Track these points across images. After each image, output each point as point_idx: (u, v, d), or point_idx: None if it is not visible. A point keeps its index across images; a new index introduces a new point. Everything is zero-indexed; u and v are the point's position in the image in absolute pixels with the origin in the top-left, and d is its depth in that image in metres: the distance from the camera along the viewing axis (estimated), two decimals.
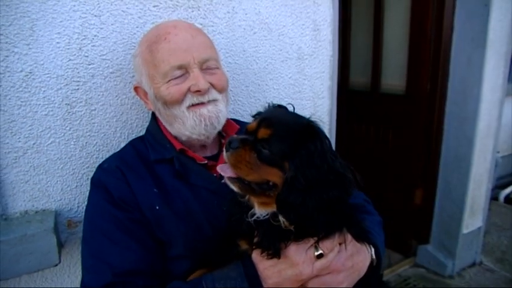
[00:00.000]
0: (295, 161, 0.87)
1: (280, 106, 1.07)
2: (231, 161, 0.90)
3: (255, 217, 0.93)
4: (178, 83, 1.12)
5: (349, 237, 1.00)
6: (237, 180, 0.92)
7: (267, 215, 0.92)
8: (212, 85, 1.16)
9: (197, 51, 1.13)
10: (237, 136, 0.93)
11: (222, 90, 1.20)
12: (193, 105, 1.14)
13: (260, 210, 0.93)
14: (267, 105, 1.09)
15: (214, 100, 1.17)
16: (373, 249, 1.09)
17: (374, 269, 1.10)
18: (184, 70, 1.12)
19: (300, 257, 0.91)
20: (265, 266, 0.94)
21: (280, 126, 0.92)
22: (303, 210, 0.86)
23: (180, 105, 1.14)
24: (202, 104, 1.14)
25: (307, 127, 0.93)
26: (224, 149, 0.93)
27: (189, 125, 1.15)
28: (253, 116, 1.05)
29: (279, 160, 0.89)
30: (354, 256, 1.00)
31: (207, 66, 1.16)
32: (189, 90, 1.12)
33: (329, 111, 1.99)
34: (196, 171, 1.18)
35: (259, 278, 0.94)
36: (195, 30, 1.19)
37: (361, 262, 1.03)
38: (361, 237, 1.05)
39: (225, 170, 0.93)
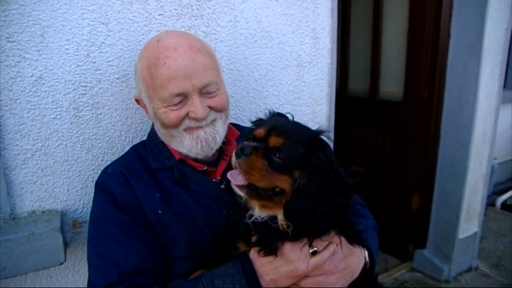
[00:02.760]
0: (308, 170, 0.91)
1: (280, 114, 1.10)
2: (243, 168, 0.92)
3: (252, 218, 0.98)
4: (176, 109, 1.14)
5: (343, 239, 1.04)
6: (245, 186, 0.95)
7: (266, 217, 0.97)
8: (211, 107, 1.17)
9: (196, 78, 1.11)
10: (248, 143, 0.95)
11: (221, 110, 1.21)
12: (190, 128, 1.17)
13: (260, 213, 0.97)
14: (267, 111, 1.13)
15: (212, 120, 1.19)
16: (366, 252, 1.13)
17: (367, 271, 1.14)
18: (183, 97, 1.13)
19: (295, 254, 0.95)
20: (262, 263, 0.98)
21: (291, 136, 0.95)
22: (312, 216, 0.91)
23: (177, 128, 1.16)
24: (199, 127, 1.17)
25: (316, 137, 0.97)
26: (234, 156, 0.94)
27: (187, 144, 1.18)
28: (253, 122, 1.08)
29: (290, 168, 0.93)
30: (347, 258, 1.04)
31: (207, 91, 1.16)
32: (187, 115, 1.14)
33: (327, 117, 2.05)
34: (195, 179, 1.22)
35: (257, 274, 0.98)
36: (195, 51, 1.14)
37: (355, 264, 1.06)
38: (355, 239, 1.09)
39: (235, 177, 0.95)
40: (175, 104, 1.13)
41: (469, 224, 3.21)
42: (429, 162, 3.20)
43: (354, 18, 3.65)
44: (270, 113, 1.11)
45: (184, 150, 1.21)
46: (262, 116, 1.15)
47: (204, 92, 1.15)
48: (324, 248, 0.97)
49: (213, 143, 1.20)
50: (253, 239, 0.99)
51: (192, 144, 1.17)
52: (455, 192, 3.10)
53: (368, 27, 3.44)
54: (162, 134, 1.23)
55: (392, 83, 3.34)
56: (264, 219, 0.97)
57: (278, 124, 1.00)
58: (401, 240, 3.45)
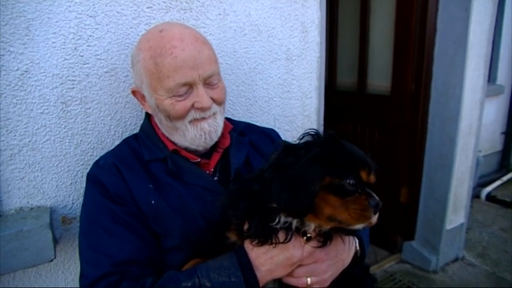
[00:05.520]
0: None
1: (332, 137, 0.99)
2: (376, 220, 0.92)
3: (281, 223, 0.94)
4: (182, 99, 1.15)
5: None
6: None
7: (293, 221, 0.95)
8: (213, 99, 1.19)
9: (202, 68, 1.13)
10: (377, 199, 0.92)
11: (221, 103, 1.24)
12: (195, 119, 1.18)
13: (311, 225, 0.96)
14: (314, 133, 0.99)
15: (214, 113, 1.21)
16: (357, 241, 1.14)
17: (358, 260, 1.14)
18: (188, 87, 1.14)
19: (289, 242, 0.95)
20: (257, 254, 0.97)
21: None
22: None
23: (183, 120, 1.17)
24: (203, 118, 1.19)
25: None
26: (373, 214, 0.91)
27: (190, 137, 1.19)
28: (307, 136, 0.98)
29: None
30: (337, 246, 1.04)
31: (210, 82, 1.18)
32: (192, 106, 1.16)
33: (317, 110, 2.06)
34: (189, 170, 1.22)
35: (252, 266, 0.97)
36: (201, 43, 1.17)
37: (345, 252, 1.07)
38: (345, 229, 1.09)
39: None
40: (181, 95, 1.14)
41: (456, 215, 3.27)
42: (417, 155, 3.25)
43: (342, 12, 3.67)
44: (329, 136, 0.98)
45: (186, 143, 1.22)
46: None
47: (207, 82, 1.17)
48: (317, 234, 0.97)
49: (214, 135, 1.22)
50: (245, 227, 0.98)
51: (196, 136, 1.19)
52: (442, 184, 3.15)
53: (355, 22, 3.46)
54: (165, 126, 1.23)
55: (380, 77, 3.38)
56: (288, 223, 0.95)
57: (366, 158, 0.98)
58: (390, 232, 3.50)
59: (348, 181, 0.90)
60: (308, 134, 0.97)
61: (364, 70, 3.48)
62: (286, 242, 0.94)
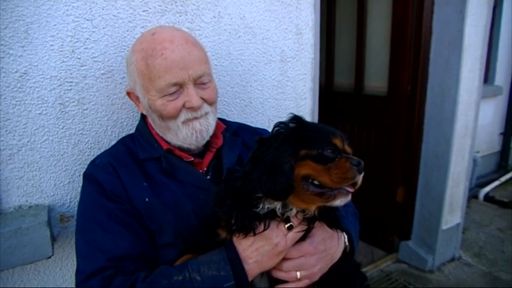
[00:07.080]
0: None
1: (297, 118, 1.05)
2: (360, 181, 0.95)
3: (266, 208, 0.98)
4: (173, 99, 1.18)
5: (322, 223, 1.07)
6: None
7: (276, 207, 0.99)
8: (204, 100, 1.23)
9: (192, 68, 1.17)
10: (358, 159, 0.94)
11: (212, 103, 1.27)
12: (187, 119, 1.22)
13: (297, 209, 0.99)
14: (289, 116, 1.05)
15: (206, 113, 1.25)
16: (346, 236, 1.16)
17: (347, 255, 1.17)
18: (178, 86, 1.18)
19: (272, 231, 0.98)
20: (244, 247, 1.00)
21: None
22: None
23: (175, 120, 1.21)
24: (195, 118, 1.22)
25: None
26: (357, 173, 0.92)
27: (182, 136, 1.23)
28: (282, 124, 1.03)
29: None
30: (326, 241, 1.07)
31: (201, 82, 1.21)
32: (183, 106, 1.19)
33: (311, 111, 2.09)
34: (182, 169, 1.26)
35: (241, 259, 1.00)
36: (191, 44, 1.21)
37: (334, 247, 1.09)
38: (334, 224, 1.13)
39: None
40: (172, 94, 1.18)
41: (452, 216, 3.30)
42: (413, 155, 3.28)
43: (339, 15, 3.70)
44: (293, 118, 1.04)
45: (178, 143, 1.26)
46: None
47: (197, 82, 1.21)
48: (300, 223, 1.00)
49: (206, 134, 1.26)
50: (233, 223, 1.02)
51: (187, 135, 1.22)
52: (438, 184, 3.18)
53: (353, 24, 3.50)
54: (158, 126, 1.26)
55: (376, 78, 3.41)
56: (271, 209, 0.99)
57: (336, 130, 1.02)
58: (387, 232, 3.53)
59: (326, 149, 0.94)
60: (277, 126, 1.02)
61: (361, 72, 3.51)
62: (265, 230, 0.98)
